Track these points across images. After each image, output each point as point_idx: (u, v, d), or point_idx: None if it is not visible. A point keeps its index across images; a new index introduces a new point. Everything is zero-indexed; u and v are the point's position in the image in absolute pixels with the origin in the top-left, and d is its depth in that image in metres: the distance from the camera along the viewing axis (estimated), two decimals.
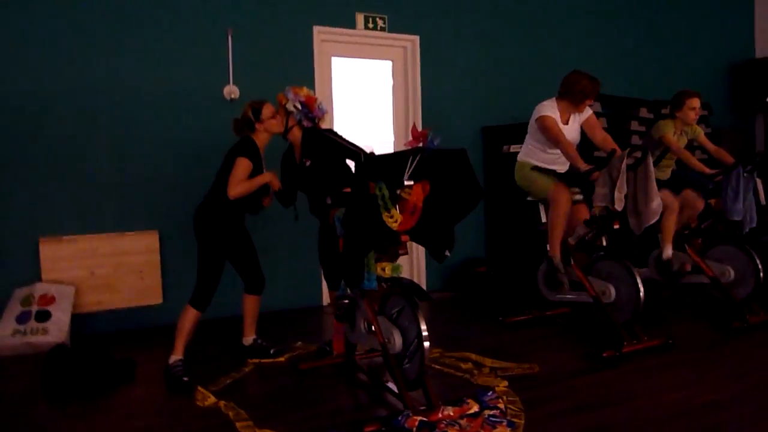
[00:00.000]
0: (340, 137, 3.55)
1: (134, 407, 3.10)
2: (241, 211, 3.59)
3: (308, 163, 3.53)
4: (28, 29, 4.19)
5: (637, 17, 6.66)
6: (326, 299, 5.15)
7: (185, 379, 3.30)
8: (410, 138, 2.66)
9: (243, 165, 3.41)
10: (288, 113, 3.57)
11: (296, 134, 3.60)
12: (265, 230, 4.83)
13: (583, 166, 3.64)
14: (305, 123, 3.57)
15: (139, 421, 2.89)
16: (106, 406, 3.11)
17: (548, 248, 3.96)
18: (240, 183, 3.40)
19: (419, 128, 2.71)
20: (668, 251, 4.34)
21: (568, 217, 3.92)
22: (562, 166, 4.02)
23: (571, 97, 3.89)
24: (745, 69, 7.28)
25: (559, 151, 3.89)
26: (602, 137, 3.93)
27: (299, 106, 3.52)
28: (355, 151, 3.41)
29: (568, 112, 3.95)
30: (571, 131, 3.94)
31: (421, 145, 2.63)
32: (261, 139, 3.56)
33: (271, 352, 3.74)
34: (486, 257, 5.76)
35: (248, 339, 3.79)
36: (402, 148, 2.81)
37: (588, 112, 4.00)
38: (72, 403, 3.13)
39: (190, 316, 3.43)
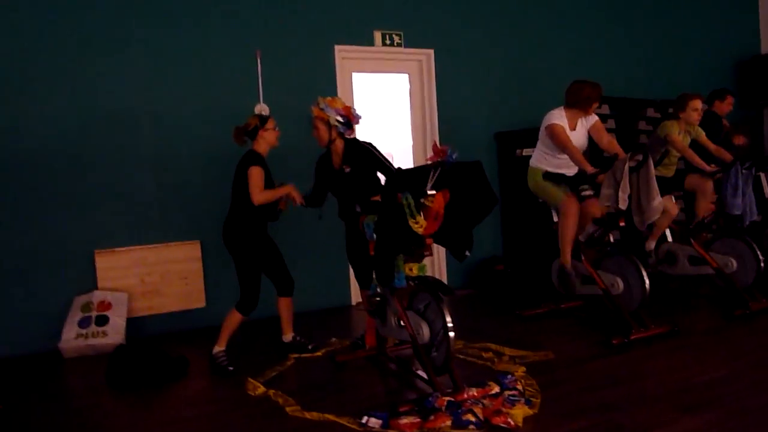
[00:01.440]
0: (378, 151, 3.90)
1: (192, 397, 3.49)
2: (263, 219, 3.90)
3: (348, 170, 3.86)
4: (73, 52, 4.60)
5: (644, 18, 6.93)
6: (354, 299, 5.52)
7: (230, 368, 3.73)
8: (431, 153, 3.02)
9: (256, 172, 3.73)
10: (331, 126, 3.85)
11: (338, 144, 3.91)
12: (295, 235, 5.24)
13: (590, 170, 3.96)
14: (348, 133, 3.89)
15: (198, 409, 3.28)
16: (166, 397, 3.51)
17: (560, 258, 4.31)
18: (261, 190, 3.74)
19: (437, 142, 3.07)
20: (650, 244, 4.76)
21: (580, 213, 4.25)
22: (570, 170, 4.33)
23: (579, 104, 4.20)
24: (751, 65, 7.51)
25: (567, 157, 4.21)
26: (608, 140, 4.24)
27: (341, 119, 3.82)
28: (388, 166, 3.77)
29: (576, 118, 4.26)
30: (578, 137, 4.25)
31: (441, 159, 2.99)
32: (261, 148, 3.88)
33: (309, 347, 4.11)
34: (503, 256, 6.08)
35: (287, 336, 4.16)
36: (419, 157, 3.16)
37: (594, 118, 4.31)
38: (134, 395, 3.53)
39: (235, 319, 3.84)
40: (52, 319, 4.47)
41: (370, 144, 3.94)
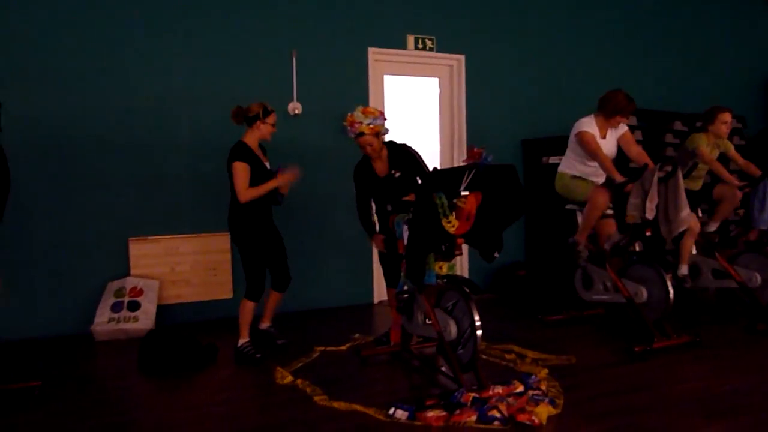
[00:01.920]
0: (417, 152, 3.97)
1: (221, 383, 3.60)
2: (263, 207, 3.92)
3: (398, 174, 3.89)
4: (115, 44, 4.75)
5: (673, 33, 6.95)
6: (377, 297, 5.61)
7: (258, 355, 3.85)
8: (466, 156, 3.10)
9: (240, 169, 3.76)
10: (380, 135, 3.87)
11: (383, 150, 3.94)
12: (319, 233, 5.36)
13: (619, 178, 4.00)
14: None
15: (227, 394, 3.39)
16: (197, 382, 3.62)
17: (576, 234, 4.38)
18: (246, 189, 3.76)
19: (464, 143, 3.15)
20: (683, 269, 4.71)
21: (598, 229, 4.30)
22: (599, 178, 4.38)
23: (605, 111, 4.25)
24: None
25: (596, 164, 4.26)
26: (637, 151, 4.28)
27: (387, 128, 3.87)
28: (425, 167, 3.85)
29: (606, 127, 4.31)
30: (608, 145, 4.30)
31: (475, 161, 3.07)
32: (254, 137, 3.89)
33: (279, 342, 4.17)
34: (526, 261, 6.13)
35: (264, 325, 4.27)
36: (446, 161, 3.22)
37: (623, 128, 4.36)
38: (165, 380, 3.65)
39: (248, 308, 3.95)
40: (86, 303, 4.62)
41: (409, 146, 4.00)
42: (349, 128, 3.82)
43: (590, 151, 4.18)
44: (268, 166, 3.99)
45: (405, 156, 3.94)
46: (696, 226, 4.63)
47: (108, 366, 4.06)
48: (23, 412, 3.13)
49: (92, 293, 4.65)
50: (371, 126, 3.76)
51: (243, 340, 3.96)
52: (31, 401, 3.25)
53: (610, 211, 4.26)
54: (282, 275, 4.11)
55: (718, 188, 4.84)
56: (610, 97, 4.23)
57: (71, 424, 2.98)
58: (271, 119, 3.93)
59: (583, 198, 4.33)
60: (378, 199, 4.05)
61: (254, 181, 3.83)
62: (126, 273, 4.77)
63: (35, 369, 3.72)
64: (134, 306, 4.58)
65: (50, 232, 4.60)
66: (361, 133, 3.78)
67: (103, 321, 4.50)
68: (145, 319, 4.54)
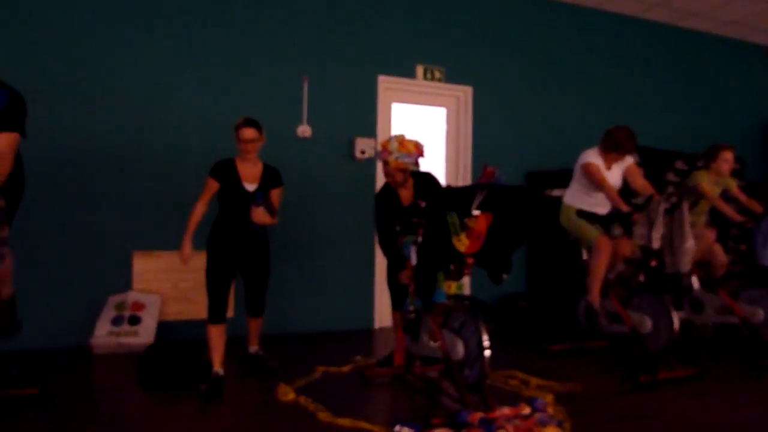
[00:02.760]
0: (439, 182, 3.94)
1: (224, 398, 3.54)
2: (231, 227, 3.78)
3: (423, 204, 3.75)
4: (128, 67, 4.83)
5: (676, 75, 7.13)
6: (378, 323, 5.58)
7: (207, 394, 3.48)
8: (480, 175, 3.14)
9: (207, 183, 3.76)
10: (405, 172, 3.77)
11: (409, 180, 3.86)
12: (321, 258, 5.36)
13: (625, 208, 4.04)
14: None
15: (229, 409, 3.34)
16: (196, 396, 3.56)
17: (588, 295, 4.35)
18: (200, 202, 3.77)
19: (469, 173, 3.19)
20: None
21: (612, 253, 4.31)
22: (603, 209, 4.42)
23: (604, 145, 4.32)
24: None
25: (601, 195, 4.31)
26: (642, 183, 4.33)
27: (416, 162, 3.78)
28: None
29: (610, 160, 4.38)
30: (613, 177, 4.35)
31: (488, 181, 3.11)
32: (240, 154, 3.78)
33: (269, 365, 4.06)
34: (527, 292, 6.13)
35: (252, 348, 4.16)
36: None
37: (629, 160, 4.42)
38: (164, 393, 3.60)
39: (208, 332, 3.69)
40: (86, 316, 4.58)
41: (433, 175, 3.94)
42: (379, 152, 3.77)
43: (596, 181, 4.23)
44: (249, 188, 3.81)
45: (431, 186, 3.85)
46: (720, 255, 4.64)
47: (106, 378, 3.99)
48: (19, 418, 3.07)
49: (93, 306, 4.61)
50: (398, 161, 3.69)
51: (212, 369, 3.62)
52: (28, 408, 3.19)
53: (621, 231, 4.25)
54: (250, 299, 4.00)
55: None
56: (613, 133, 4.29)
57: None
58: (242, 134, 3.74)
59: (590, 244, 4.34)
60: (402, 227, 3.88)
61: (226, 198, 3.81)
62: (128, 287, 4.74)
63: (24, 378, 3.67)
64: (135, 320, 4.54)
65: (52, 243, 4.58)
66: (386, 163, 3.74)
67: (102, 334, 4.45)
68: (145, 334, 4.50)
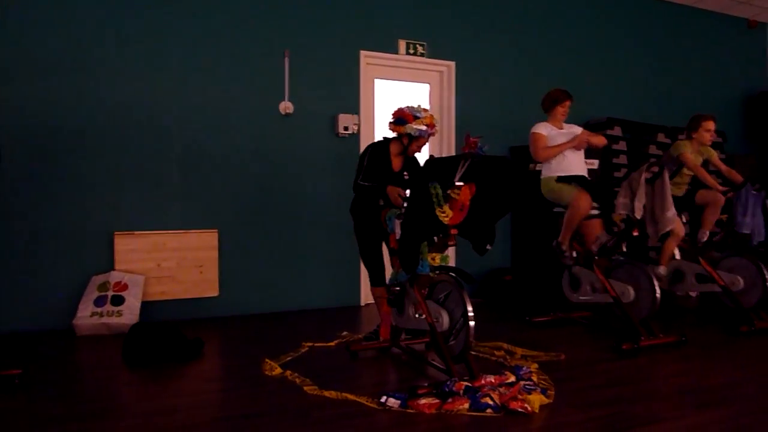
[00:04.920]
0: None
1: (210, 374, 3.56)
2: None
3: (406, 177, 3.87)
4: (102, 44, 4.74)
5: (658, 49, 7.13)
6: (364, 300, 5.58)
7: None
8: (464, 145, 3.13)
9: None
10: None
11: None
12: (305, 235, 5.34)
13: (570, 144, 4.34)
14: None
15: (216, 384, 3.35)
16: (184, 373, 3.56)
17: (559, 238, 4.48)
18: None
19: (453, 149, 3.18)
20: (662, 270, 4.78)
21: (585, 230, 4.36)
22: (579, 169, 4.48)
23: (545, 107, 4.62)
24: (758, 101, 7.70)
25: (573, 155, 4.44)
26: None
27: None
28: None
29: (558, 118, 4.61)
30: (566, 136, 4.48)
31: (471, 151, 3.10)
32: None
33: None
34: (512, 267, 6.17)
35: None
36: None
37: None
38: (150, 371, 3.58)
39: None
40: (68, 297, 4.53)
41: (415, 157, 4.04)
42: (429, 128, 3.77)
43: (534, 149, 4.50)
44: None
45: (415, 163, 3.98)
46: (680, 230, 4.70)
47: (90, 359, 3.97)
48: (2, 398, 3.04)
49: (75, 287, 4.56)
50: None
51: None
52: (11, 388, 3.17)
53: (595, 212, 4.32)
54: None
55: (700, 194, 4.91)
56: (547, 94, 4.63)
57: (54, 410, 2.90)
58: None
59: (568, 200, 4.39)
60: (372, 191, 3.91)
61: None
62: (111, 267, 4.69)
63: (5, 359, 3.63)
64: (118, 301, 4.50)
65: (33, 225, 4.51)
66: (429, 133, 3.81)
67: (85, 315, 4.41)
68: (129, 314, 4.46)
